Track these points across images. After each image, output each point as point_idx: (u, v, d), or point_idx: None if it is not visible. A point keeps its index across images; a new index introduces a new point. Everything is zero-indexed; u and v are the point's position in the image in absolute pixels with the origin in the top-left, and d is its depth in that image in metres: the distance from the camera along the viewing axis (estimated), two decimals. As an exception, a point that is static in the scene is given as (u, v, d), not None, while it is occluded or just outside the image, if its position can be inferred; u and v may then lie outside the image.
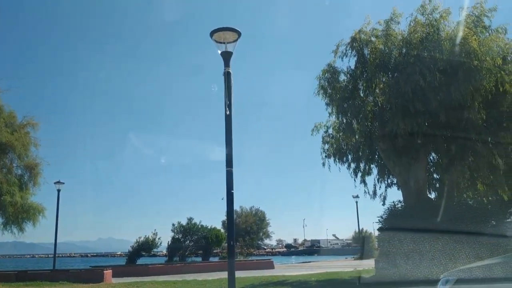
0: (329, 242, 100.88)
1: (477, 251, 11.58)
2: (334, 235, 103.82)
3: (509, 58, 15.30)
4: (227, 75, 9.28)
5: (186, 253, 26.95)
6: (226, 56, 9.39)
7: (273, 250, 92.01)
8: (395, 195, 17.12)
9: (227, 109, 9.00)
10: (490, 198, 18.50)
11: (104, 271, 19.02)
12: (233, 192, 8.87)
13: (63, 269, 26.05)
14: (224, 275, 18.07)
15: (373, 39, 15.92)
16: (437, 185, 17.13)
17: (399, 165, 15.61)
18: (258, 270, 22.41)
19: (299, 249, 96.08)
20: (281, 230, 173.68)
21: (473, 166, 15.67)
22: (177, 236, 27.13)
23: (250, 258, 31.67)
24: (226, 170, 8.94)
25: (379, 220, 15.52)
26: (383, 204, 17.09)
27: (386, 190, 17.62)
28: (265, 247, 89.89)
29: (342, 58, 16.24)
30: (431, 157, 17.03)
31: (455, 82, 13.64)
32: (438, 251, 13.06)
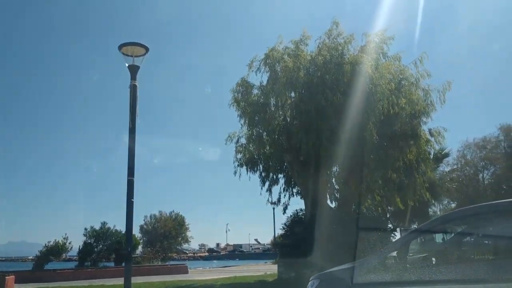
0: (251, 246, 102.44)
1: (359, 255, 12.83)
2: (256, 240, 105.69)
3: (403, 82, 17.08)
4: (133, 88, 9.70)
5: (98, 258, 26.53)
6: (133, 70, 9.80)
7: (195, 255, 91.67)
8: (298, 204, 18.25)
9: (131, 122, 9.41)
10: (385, 208, 20.39)
11: (6, 277, 18.27)
12: (133, 201, 9.31)
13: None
14: (134, 280, 18.26)
15: (285, 57, 17.02)
16: (337, 196, 18.52)
17: (303, 176, 16.78)
18: (171, 275, 22.66)
19: (222, 253, 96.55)
20: (205, 234, 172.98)
21: (369, 179, 17.19)
22: (89, 241, 26.62)
23: (168, 263, 31.75)
24: (128, 180, 9.36)
25: (282, 227, 16.59)
26: (284, 213, 18.22)
27: (289, 199, 18.79)
28: (187, 252, 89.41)
29: (256, 73, 17.23)
30: (333, 169, 18.38)
31: (353, 103, 14.99)
32: (334, 255, 14.27)
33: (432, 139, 17.82)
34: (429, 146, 17.83)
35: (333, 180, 18.46)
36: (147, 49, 9.85)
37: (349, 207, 17.69)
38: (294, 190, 18.78)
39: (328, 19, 17.58)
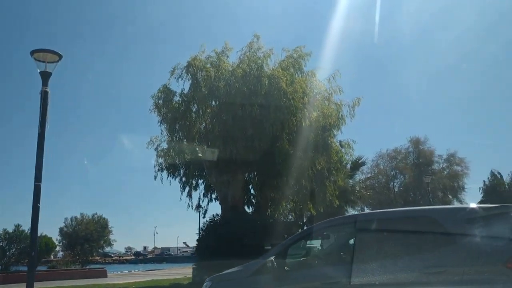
0: (180, 249, 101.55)
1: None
2: (185, 243, 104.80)
3: (317, 97, 18.26)
4: (44, 94, 9.79)
5: (10, 262, 25.41)
6: (45, 76, 9.89)
7: (121, 258, 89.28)
8: (216, 209, 18.86)
9: (40, 127, 9.51)
10: (302, 213, 21.56)
11: None
12: (39, 206, 9.41)
13: None
14: (44, 285, 17.87)
15: (208, 66, 17.59)
16: (254, 201, 19.38)
17: (220, 182, 17.42)
18: (87, 279, 22.30)
19: (149, 256, 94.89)
20: (133, 237, 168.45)
21: (283, 186, 18.19)
22: (0, 244, 25.45)
23: (86, 267, 30.99)
24: (35, 185, 9.45)
25: (199, 231, 17.09)
26: (203, 217, 18.80)
27: (208, 204, 19.41)
28: (112, 255, 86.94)
29: (178, 80, 17.59)
30: (250, 176, 19.21)
31: (268, 115, 15.87)
32: (247, 258, 15.00)
33: (343, 150, 19.26)
34: (340, 157, 19.19)
35: (250, 187, 19.27)
36: (60, 56, 9.99)
37: (264, 212, 18.60)
38: (213, 196, 19.40)
39: (252, 33, 18.30)
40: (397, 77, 73.87)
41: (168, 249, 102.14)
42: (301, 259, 6.98)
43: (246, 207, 18.94)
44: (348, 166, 31.29)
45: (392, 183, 33.50)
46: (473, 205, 6.02)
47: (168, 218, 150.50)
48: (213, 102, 17.28)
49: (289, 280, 6.07)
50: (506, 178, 56.03)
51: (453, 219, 5.55)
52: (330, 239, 7.97)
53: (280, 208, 19.84)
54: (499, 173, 56.26)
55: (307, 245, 8.18)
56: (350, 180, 31.65)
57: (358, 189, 31.78)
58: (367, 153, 36.83)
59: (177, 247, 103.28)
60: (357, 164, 31.97)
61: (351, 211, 31.03)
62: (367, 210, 32.51)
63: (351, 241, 6.47)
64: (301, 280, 6.02)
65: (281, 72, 16.41)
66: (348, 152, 19.64)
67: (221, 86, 16.48)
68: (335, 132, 18.59)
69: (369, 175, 32.81)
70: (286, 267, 6.28)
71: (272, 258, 6.16)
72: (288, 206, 20.11)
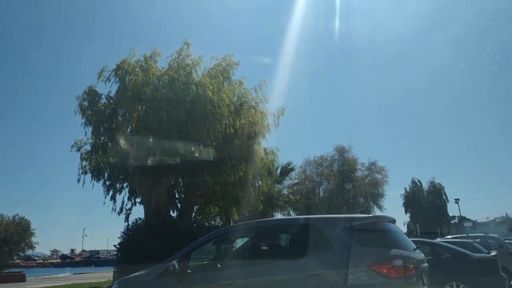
0: (109, 252, 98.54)
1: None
2: (115, 246, 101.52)
3: (244, 105, 18.89)
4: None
5: None
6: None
7: (46, 261, 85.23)
8: (141, 213, 18.90)
9: None
10: (229, 217, 22.04)
11: None
12: None
13: None
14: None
15: (137, 70, 17.64)
16: (179, 205, 19.63)
17: (144, 186, 17.50)
18: (5, 284, 21.44)
19: (76, 260, 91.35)
20: (60, 240, 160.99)
21: (208, 191, 18.62)
22: None
23: (4, 270, 29.58)
24: None
25: (121, 235, 17.08)
26: (126, 221, 18.75)
27: (131, 208, 19.37)
28: (36, 258, 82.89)
29: (105, 82, 17.47)
30: (176, 180, 19.44)
31: (194, 122, 16.24)
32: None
33: (268, 157, 20.02)
34: (265, 163, 19.90)
35: (175, 191, 19.51)
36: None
37: (189, 216, 18.90)
38: (138, 200, 19.40)
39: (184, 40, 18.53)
40: (326, 88, 77.17)
41: (98, 252, 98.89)
42: (205, 262, 7.48)
43: (171, 211, 19.15)
44: (278, 171, 32.45)
45: (318, 188, 34.99)
46: (351, 215, 6.83)
47: (98, 220, 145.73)
48: (140, 106, 17.35)
49: (190, 282, 6.57)
50: (425, 186, 60.32)
51: (332, 227, 6.29)
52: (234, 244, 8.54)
53: (205, 212, 20.25)
54: (419, 181, 60.48)
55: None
56: (279, 185, 32.77)
57: (286, 194, 32.93)
58: (297, 160, 38.18)
59: (107, 250, 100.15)
60: (286, 170, 33.12)
61: (278, 215, 32.07)
62: (293, 215, 33.75)
63: (247, 246, 7.10)
64: (201, 282, 6.54)
65: (208, 80, 16.81)
66: (273, 159, 20.42)
67: (148, 91, 16.61)
68: (260, 140, 19.28)
69: (296, 181, 34.05)
70: (188, 270, 6.77)
71: (175, 261, 6.63)
72: (214, 210, 20.54)
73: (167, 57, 17.95)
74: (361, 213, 31.58)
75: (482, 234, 19.31)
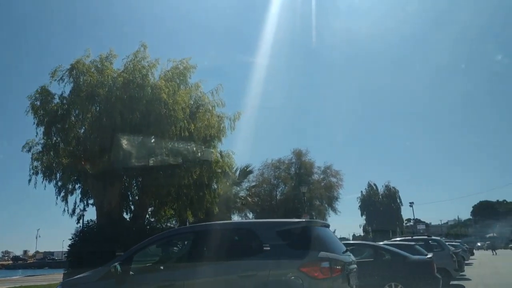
0: (64, 254, 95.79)
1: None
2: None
3: (200, 109, 19.06)
4: None
5: None
6: None
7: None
8: (93, 215, 18.71)
9: None
10: (183, 219, 22.10)
11: None
12: None
13: None
14: None
15: (92, 70, 17.50)
16: (132, 207, 19.57)
17: (97, 188, 17.37)
18: None
19: (29, 261, 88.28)
20: (12, 241, 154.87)
21: (162, 194, 18.65)
22: None
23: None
24: None
25: (72, 237, 16.88)
26: (78, 222, 18.52)
27: (84, 210, 19.14)
28: (-18, 260, 79.83)
29: (59, 82, 17.22)
30: (130, 183, 19.37)
31: (149, 124, 16.29)
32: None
33: (224, 160, 20.23)
34: (220, 166, 20.07)
35: (129, 193, 19.44)
36: None
37: (142, 219, 18.89)
38: (90, 202, 19.16)
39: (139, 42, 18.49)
40: (286, 92, 78.25)
41: (52, 253, 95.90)
42: (147, 264, 7.69)
43: (124, 213, 19.07)
44: (237, 173, 32.76)
45: (275, 191, 35.54)
46: (284, 220, 7.24)
47: (53, 221, 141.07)
48: (94, 107, 17.22)
49: (131, 283, 6.79)
50: (380, 189, 62.29)
51: (266, 231, 6.66)
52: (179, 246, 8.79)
53: (160, 214, 20.26)
54: (375, 184, 62.47)
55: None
56: (238, 188, 33.10)
57: (244, 196, 33.30)
58: (256, 163, 38.62)
59: (62, 251, 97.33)
60: (245, 172, 33.49)
61: (236, 217, 32.39)
62: (251, 216, 34.13)
63: (188, 248, 7.38)
64: (142, 283, 6.77)
65: (164, 83, 16.90)
66: (229, 162, 20.66)
67: (103, 92, 16.53)
68: (216, 143, 19.49)
69: (254, 183, 34.48)
70: (131, 272, 6.98)
71: (117, 263, 6.82)
72: (168, 213, 20.55)
73: (123, 59, 17.94)
74: (315, 216, 32.32)
75: (426, 237, 20.29)
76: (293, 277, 6.03)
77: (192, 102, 18.80)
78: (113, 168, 16.53)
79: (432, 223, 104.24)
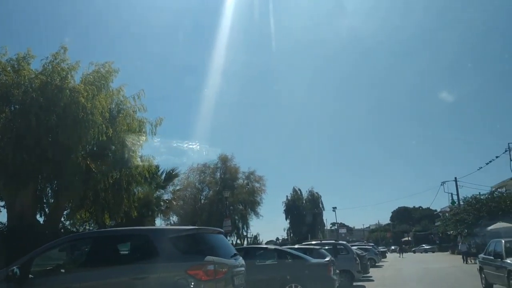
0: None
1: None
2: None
3: (122, 113, 19.13)
4: None
5: None
6: None
7: None
8: (4, 218, 18.19)
9: None
10: (106, 222, 21.96)
11: None
12: None
13: None
14: None
15: (9, 69, 17.06)
16: (46, 210, 19.23)
17: (8, 189, 16.93)
18: None
19: None
20: None
21: (78, 197, 18.46)
22: None
23: None
24: None
25: (-22, 241, 16.28)
26: (-15, 225, 17.89)
27: (-5, 212, 18.49)
28: None
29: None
30: (45, 185, 19.03)
31: (66, 128, 16.14)
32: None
33: (144, 164, 20.43)
34: (140, 170, 20.24)
35: (43, 195, 19.10)
36: None
37: (57, 221, 18.66)
38: (1, 204, 18.60)
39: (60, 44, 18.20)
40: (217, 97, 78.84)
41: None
42: (48, 268, 8.01)
43: (38, 216, 18.68)
44: (163, 177, 32.81)
45: (200, 195, 36.01)
46: (177, 227, 7.93)
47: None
48: (8, 108, 16.80)
49: (31, 286, 7.16)
50: (304, 194, 64.72)
51: (160, 236, 7.29)
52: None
53: (76, 218, 20.09)
54: (299, 189, 64.75)
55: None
56: (163, 190, 33.15)
57: (168, 199, 33.42)
58: (183, 167, 38.80)
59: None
60: (170, 176, 33.59)
61: (159, 221, 32.39)
62: (176, 219, 34.34)
63: (87, 252, 7.84)
64: (41, 286, 7.16)
65: (82, 87, 16.85)
66: (149, 166, 20.87)
67: (18, 93, 16.22)
68: (136, 148, 19.64)
69: (178, 187, 34.72)
70: (30, 275, 7.34)
71: (15, 267, 7.16)
72: (85, 216, 20.42)
73: (42, 60, 17.62)
74: (238, 220, 33.26)
75: (334, 241, 21.81)
76: (181, 279, 6.70)
77: (113, 106, 18.90)
78: (27, 170, 16.22)
79: (356, 227, 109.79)
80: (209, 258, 6.87)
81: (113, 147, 18.36)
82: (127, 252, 7.69)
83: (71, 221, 19.82)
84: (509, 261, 12.43)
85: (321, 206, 62.82)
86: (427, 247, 70.19)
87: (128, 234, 7.98)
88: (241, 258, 8.27)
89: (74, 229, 18.84)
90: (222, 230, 8.30)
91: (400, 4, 76.25)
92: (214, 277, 6.83)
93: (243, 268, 8.01)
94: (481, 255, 15.95)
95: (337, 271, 15.11)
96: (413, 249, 73.93)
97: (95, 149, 17.79)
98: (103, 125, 17.08)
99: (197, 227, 7.53)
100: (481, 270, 15.54)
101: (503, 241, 13.91)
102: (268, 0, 63.31)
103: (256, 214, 38.01)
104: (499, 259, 13.18)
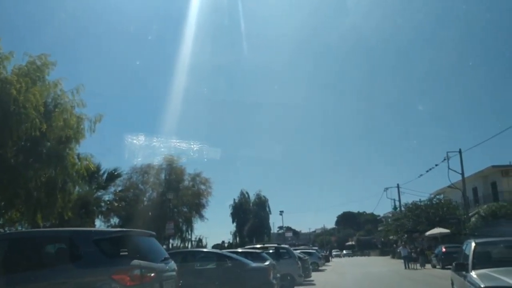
0: None
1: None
2: None
3: (58, 108, 18.11)
4: None
5: None
6: None
7: None
8: None
9: None
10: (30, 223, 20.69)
11: None
12: None
13: None
14: None
15: None
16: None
17: None
18: None
19: None
20: None
21: (8, 195, 17.30)
22: None
23: None
24: None
25: None
26: None
27: None
28: None
29: None
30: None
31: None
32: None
33: (82, 163, 19.46)
34: (77, 169, 19.22)
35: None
36: None
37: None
38: None
39: None
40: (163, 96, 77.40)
41: None
42: None
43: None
44: (105, 177, 31.65)
45: (143, 196, 35.02)
46: (103, 229, 7.47)
47: None
48: None
49: None
50: (252, 197, 64.86)
51: (84, 239, 6.79)
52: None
53: (7, 217, 18.86)
54: (247, 192, 64.79)
55: None
56: (104, 191, 31.98)
57: (110, 200, 32.28)
58: (126, 167, 37.45)
59: None
60: (112, 176, 32.52)
61: (98, 222, 31.14)
62: (117, 221, 33.13)
63: (3, 255, 7.17)
64: None
65: (15, 78, 15.85)
66: (87, 165, 19.90)
67: None
68: (73, 145, 18.69)
69: (120, 188, 33.61)
70: None
71: None
72: (15, 215, 19.12)
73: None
74: (182, 223, 32.67)
75: (276, 245, 21.78)
76: (105, 285, 6.25)
77: (49, 100, 17.88)
78: None
79: (302, 231, 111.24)
80: (135, 262, 6.49)
81: (48, 143, 17.35)
82: (47, 255, 7.11)
83: (2, 220, 18.48)
84: (475, 276, 7.60)
85: (268, 209, 63.22)
86: (347, 252, 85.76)
87: (50, 236, 7.41)
88: (172, 262, 7.90)
89: (1, 230, 17.57)
90: (153, 233, 7.87)
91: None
92: (141, 282, 6.46)
93: (174, 273, 7.64)
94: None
95: (278, 275, 15.05)
96: (337, 253, 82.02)
97: (28, 144, 16.70)
98: (37, 120, 16.07)
99: (125, 229, 7.10)
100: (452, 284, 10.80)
101: (473, 243, 8.91)
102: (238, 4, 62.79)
103: (201, 217, 37.55)
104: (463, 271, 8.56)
